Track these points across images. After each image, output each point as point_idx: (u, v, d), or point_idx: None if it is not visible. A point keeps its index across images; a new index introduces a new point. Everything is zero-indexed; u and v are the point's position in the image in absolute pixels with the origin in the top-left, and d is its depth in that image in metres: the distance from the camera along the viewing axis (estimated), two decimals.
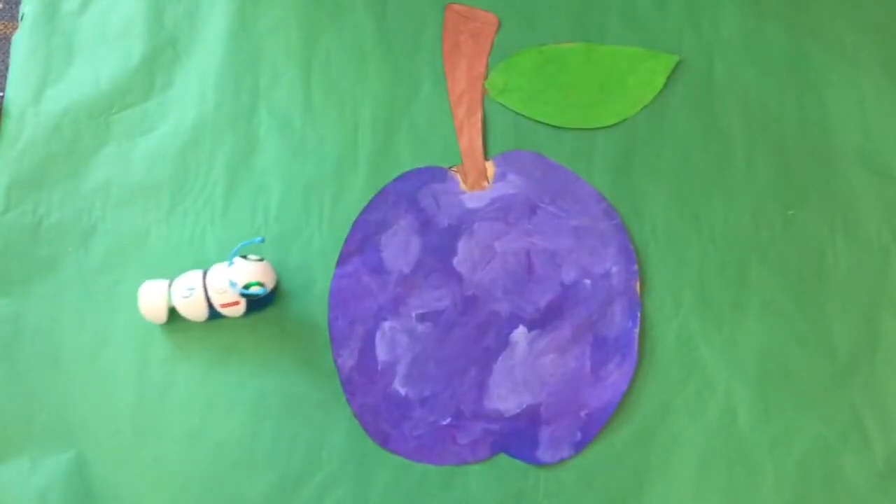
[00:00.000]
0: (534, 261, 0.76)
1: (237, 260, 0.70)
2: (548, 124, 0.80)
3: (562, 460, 0.71)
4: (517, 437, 0.72)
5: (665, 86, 0.80)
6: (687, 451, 0.71)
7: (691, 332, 0.74)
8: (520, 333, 0.74)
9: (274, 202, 0.78)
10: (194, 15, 0.83)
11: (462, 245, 0.76)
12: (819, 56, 0.81)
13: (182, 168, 0.79)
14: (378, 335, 0.74)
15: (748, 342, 0.74)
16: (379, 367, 0.73)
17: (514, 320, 0.74)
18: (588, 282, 0.75)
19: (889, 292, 0.74)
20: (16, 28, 0.83)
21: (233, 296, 0.70)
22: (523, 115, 0.80)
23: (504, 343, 0.74)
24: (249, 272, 0.69)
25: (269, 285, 0.70)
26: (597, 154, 0.79)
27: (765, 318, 0.74)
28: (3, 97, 0.80)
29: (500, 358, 0.74)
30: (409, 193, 0.77)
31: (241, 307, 0.71)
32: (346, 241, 0.76)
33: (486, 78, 0.81)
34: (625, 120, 0.80)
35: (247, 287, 0.68)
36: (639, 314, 0.74)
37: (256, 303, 0.71)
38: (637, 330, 0.74)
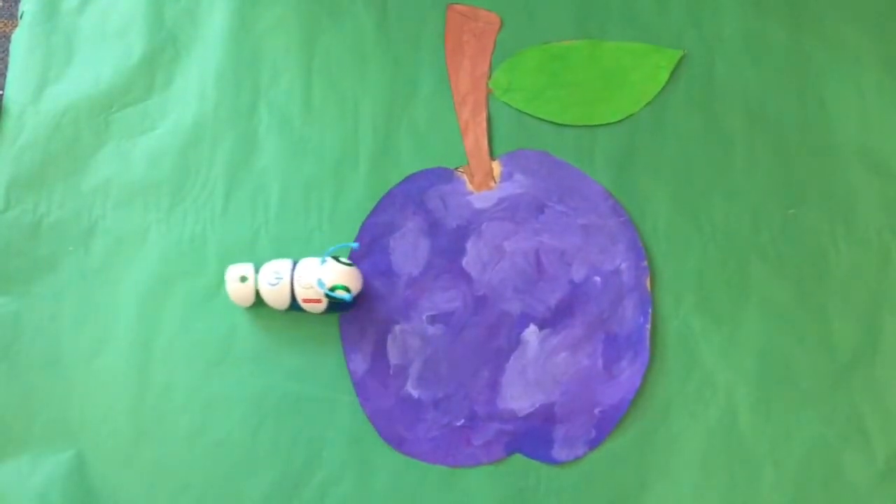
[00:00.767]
0: (543, 260, 0.76)
1: (329, 260, 0.70)
2: (552, 122, 0.80)
3: (577, 458, 0.71)
4: (531, 437, 0.72)
5: (666, 84, 0.80)
6: (688, 451, 0.71)
7: (692, 331, 0.74)
8: (531, 332, 0.74)
9: (274, 201, 0.77)
10: (194, 13, 0.83)
11: (471, 246, 0.76)
12: (820, 54, 0.82)
13: (182, 167, 0.78)
14: (389, 338, 0.74)
15: (749, 341, 0.74)
16: (391, 371, 0.73)
17: (524, 319, 0.74)
18: (598, 279, 0.75)
19: (890, 291, 0.75)
20: (15, 26, 0.83)
21: (317, 293, 0.69)
22: (527, 114, 0.80)
23: (515, 343, 0.74)
24: (339, 274, 0.69)
25: (355, 291, 0.69)
26: (598, 152, 0.79)
27: (765, 316, 0.74)
28: (2, 96, 0.80)
29: (512, 358, 0.74)
30: (416, 195, 0.77)
31: (322, 306, 0.71)
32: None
33: (489, 77, 0.81)
34: (629, 116, 0.80)
35: (333, 289, 0.68)
36: (650, 310, 0.74)
37: (337, 305, 0.71)
38: (649, 326, 0.74)
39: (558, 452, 0.71)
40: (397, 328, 0.74)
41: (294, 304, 0.71)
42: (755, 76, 0.81)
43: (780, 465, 0.71)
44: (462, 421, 0.72)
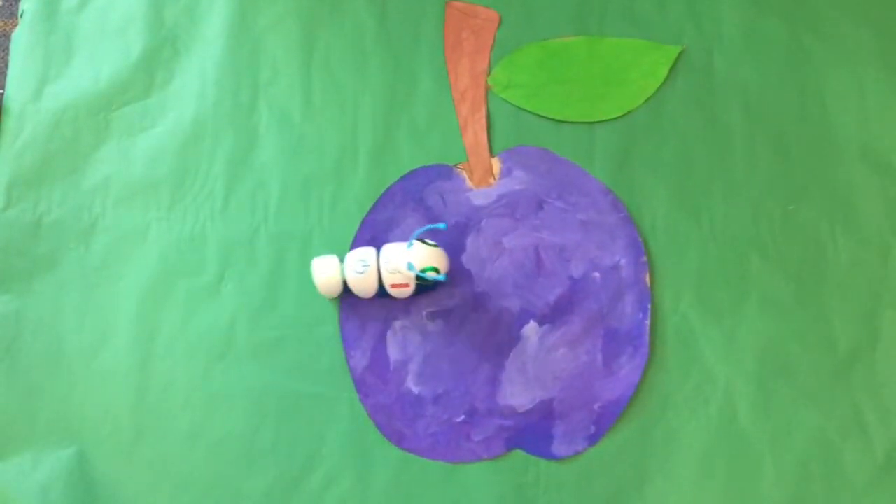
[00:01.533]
0: (542, 256, 0.76)
1: (416, 243, 0.69)
2: (552, 119, 0.80)
3: (576, 454, 0.71)
4: (531, 433, 0.72)
5: (665, 80, 0.80)
6: (687, 446, 0.71)
7: (691, 327, 0.74)
8: (531, 329, 0.74)
9: (274, 198, 0.78)
10: (194, 11, 0.83)
11: (470, 242, 0.76)
12: (819, 50, 0.81)
13: (182, 164, 0.79)
14: (389, 335, 0.74)
15: (748, 337, 0.74)
16: (391, 367, 0.74)
17: (524, 316, 0.74)
18: (597, 275, 0.75)
19: (889, 287, 0.74)
20: (15, 25, 0.83)
21: (405, 278, 0.70)
22: (527, 111, 0.80)
23: (515, 339, 0.74)
24: (428, 256, 0.69)
25: (444, 271, 0.69)
26: (598, 148, 0.79)
27: (765, 312, 0.74)
28: (2, 94, 0.80)
29: (511, 354, 0.74)
30: (415, 192, 0.78)
31: (410, 290, 0.71)
32: (355, 241, 0.76)
33: (488, 74, 0.81)
34: (628, 112, 0.80)
35: (424, 271, 0.68)
36: (649, 306, 0.74)
37: (423, 287, 0.71)
38: (648, 322, 0.74)
39: (558, 448, 0.71)
40: (397, 324, 0.74)
41: (381, 291, 0.71)
42: (754, 72, 0.81)
43: (780, 460, 0.71)
44: (462, 417, 0.72)
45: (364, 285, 0.71)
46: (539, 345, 0.74)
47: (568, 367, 0.73)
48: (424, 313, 0.75)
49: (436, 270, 0.68)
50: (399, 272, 0.69)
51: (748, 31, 0.82)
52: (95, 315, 0.75)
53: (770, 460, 0.71)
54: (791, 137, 0.79)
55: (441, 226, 0.70)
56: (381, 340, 0.74)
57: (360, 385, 0.73)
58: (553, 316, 0.74)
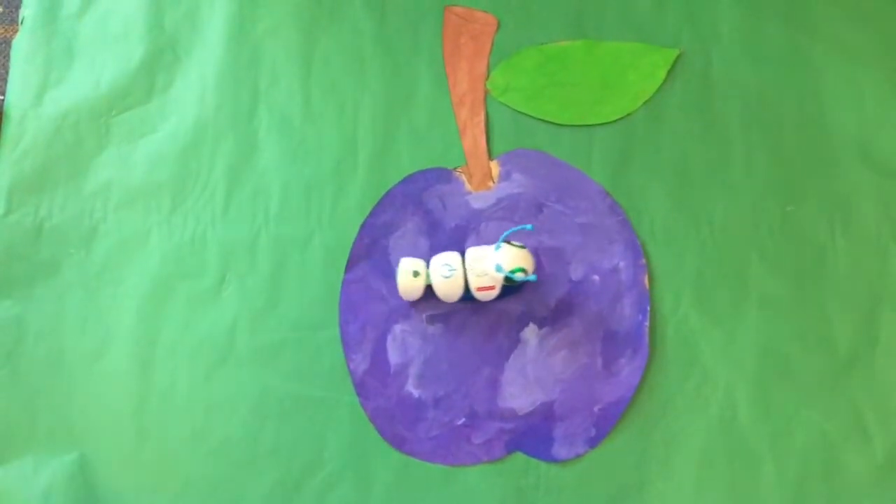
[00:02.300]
0: (541, 259, 0.76)
1: (504, 245, 0.69)
2: (550, 122, 0.80)
3: (577, 456, 0.71)
4: (532, 435, 0.72)
5: (663, 83, 0.81)
6: (687, 448, 0.71)
7: (691, 329, 0.74)
8: (530, 331, 0.74)
9: (274, 202, 0.78)
10: (194, 17, 0.84)
11: (470, 245, 0.76)
12: (817, 52, 0.81)
13: (182, 169, 0.79)
14: (389, 338, 0.74)
15: (748, 338, 0.74)
16: (392, 370, 0.74)
17: (524, 318, 0.75)
18: (596, 278, 0.75)
19: (888, 288, 0.75)
20: (16, 31, 0.83)
21: (492, 280, 0.70)
22: (525, 114, 0.80)
23: (515, 342, 0.74)
24: (517, 258, 0.69)
25: (531, 272, 0.69)
26: (596, 151, 0.79)
27: (764, 314, 0.74)
28: (3, 100, 0.81)
29: (511, 356, 0.74)
30: (415, 195, 0.78)
31: (496, 292, 0.71)
32: (354, 245, 0.76)
33: (487, 78, 0.81)
34: (627, 115, 0.80)
35: (513, 272, 0.68)
36: (648, 308, 0.74)
37: (508, 289, 0.71)
38: (647, 324, 0.74)
39: (558, 450, 0.72)
40: (397, 328, 0.75)
41: (467, 294, 0.71)
42: (752, 74, 0.81)
43: (780, 461, 0.71)
44: (462, 420, 0.73)
45: (450, 289, 0.71)
46: (539, 347, 0.74)
47: (568, 370, 0.73)
48: (424, 316, 0.75)
49: (524, 271, 0.68)
50: (486, 274, 0.69)
51: (746, 34, 0.82)
52: (97, 320, 0.75)
53: (770, 461, 0.71)
54: (789, 139, 0.79)
55: (528, 227, 0.69)
56: (382, 344, 0.74)
57: (360, 388, 0.73)
58: (553, 318, 0.74)
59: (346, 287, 0.75)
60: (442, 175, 0.78)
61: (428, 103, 0.81)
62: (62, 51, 0.82)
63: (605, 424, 0.72)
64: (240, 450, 0.72)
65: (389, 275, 0.75)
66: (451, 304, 0.74)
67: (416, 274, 0.71)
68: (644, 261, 0.76)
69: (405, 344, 0.74)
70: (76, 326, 0.75)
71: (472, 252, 0.71)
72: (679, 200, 0.78)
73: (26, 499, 0.70)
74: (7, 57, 0.83)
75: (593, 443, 0.72)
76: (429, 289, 0.72)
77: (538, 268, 0.75)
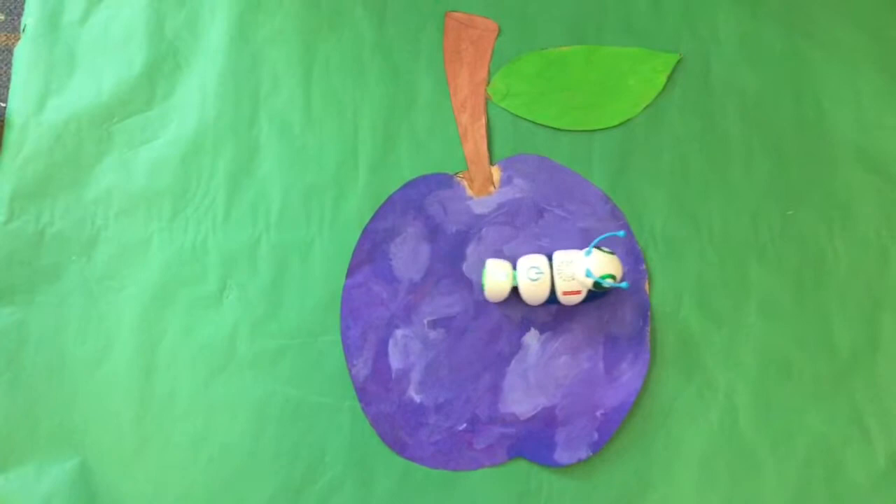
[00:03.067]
0: None
1: (595, 251, 0.69)
2: (551, 127, 0.80)
3: (579, 461, 0.71)
4: (534, 440, 0.72)
5: (663, 88, 0.81)
6: (689, 452, 0.71)
7: (691, 333, 0.74)
8: (532, 336, 0.74)
9: (275, 208, 0.78)
10: (195, 24, 0.84)
11: (471, 251, 0.76)
12: (816, 56, 0.82)
13: (183, 176, 0.79)
14: (391, 343, 0.74)
15: (748, 342, 0.74)
16: (393, 375, 0.74)
17: (525, 323, 0.75)
18: None
19: (888, 291, 0.75)
20: (18, 39, 0.84)
21: (580, 285, 0.70)
22: (526, 119, 0.80)
23: (516, 346, 0.74)
24: (607, 264, 0.68)
25: (620, 278, 0.69)
26: (596, 156, 0.79)
27: (765, 318, 0.74)
28: (5, 108, 0.81)
29: (513, 361, 0.74)
30: (416, 201, 0.78)
31: (581, 297, 0.71)
32: (355, 250, 0.76)
33: (488, 83, 0.82)
34: (627, 120, 0.80)
35: (602, 278, 0.68)
36: (649, 313, 0.74)
37: (594, 295, 0.71)
38: (648, 328, 0.74)
39: (560, 455, 0.71)
40: (399, 333, 0.75)
41: (552, 298, 0.71)
42: (752, 79, 0.81)
43: (782, 465, 0.71)
44: (464, 425, 0.73)
45: (537, 292, 0.71)
46: (540, 352, 0.74)
47: (569, 375, 0.73)
48: (426, 321, 0.75)
49: (613, 278, 0.68)
50: (574, 279, 0.70)
51: (744, 38, 0.82)
52: (98, 326, 0.75)
53: (772, 465, 0.71)
54: (788, 142, 0.79)
55: (621, 234, 0.69)
56: (383, 349, 0.74)
57: (361, 394, 0.73)
58: (554, 323, 0.74)
59: (346, 293, 0.75)
60: (443, 180, 0.78)
61: (429, 109, 0.81)
62: (64, 58, 0.82)
63: (606, 429, 0.72)
64: (241, 456, 0.72)
65: (391, 280, 0.76)
66: (452, 308, 0.74)
67: (502, 275, 0.71)
68: (645, 266, 0.76)
69: (406, 349, 0.74)
70: (77, 333, 0.75)
71: (559, 256, 0.71)
72: (679, 205, 0.78)
73: None
74: (9, 64, 0.83)
75: (595, 448, 0.72)
76: (513, 290, 0.72)
77: None
